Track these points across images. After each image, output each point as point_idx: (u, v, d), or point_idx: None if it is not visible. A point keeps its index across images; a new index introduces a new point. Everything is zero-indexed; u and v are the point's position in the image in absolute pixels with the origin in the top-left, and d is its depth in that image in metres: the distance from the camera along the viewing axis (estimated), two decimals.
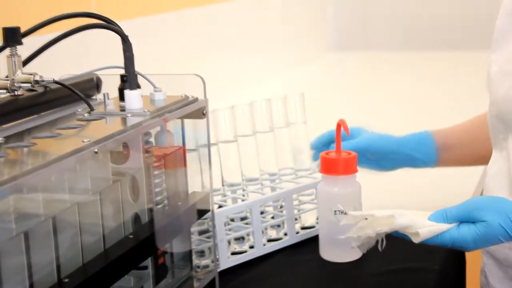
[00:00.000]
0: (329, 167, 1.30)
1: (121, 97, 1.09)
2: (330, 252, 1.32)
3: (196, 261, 1.22)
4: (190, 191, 1.18)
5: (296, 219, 1.42)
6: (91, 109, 1.06)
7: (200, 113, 1.15)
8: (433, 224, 1.06)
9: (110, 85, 1.13)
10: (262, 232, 1.36)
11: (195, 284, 1.17)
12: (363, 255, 1.32)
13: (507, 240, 1.02)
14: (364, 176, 1.34)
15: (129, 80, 1.07)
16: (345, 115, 1.30)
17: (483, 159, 1.39)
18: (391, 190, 1.66)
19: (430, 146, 1.44)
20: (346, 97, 2.76)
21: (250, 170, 1.44)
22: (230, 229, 1.35)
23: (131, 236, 1.02)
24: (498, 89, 1.25)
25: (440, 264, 1.32)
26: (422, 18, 3.39)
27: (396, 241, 1.39)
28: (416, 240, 1.06)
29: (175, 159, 1.14)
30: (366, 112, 2.42)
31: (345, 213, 1.30)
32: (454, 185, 1.63)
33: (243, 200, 1.38)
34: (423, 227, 1.05)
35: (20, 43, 1.01)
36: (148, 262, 1.06)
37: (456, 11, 3.35)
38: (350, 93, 2.84)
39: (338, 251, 1.32)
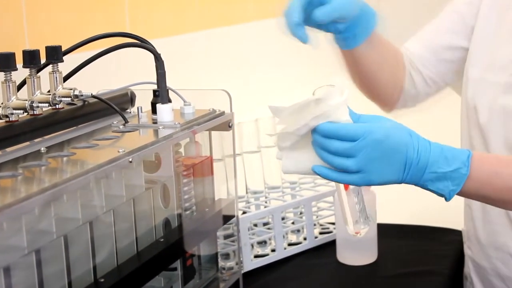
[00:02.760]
0: None
1: (154, 111, 1.10)
2: (346, 256, 1.32)
3: (221, 263, 1.22)
4: (216, 198, 1.18)
5: (315, 224, 1.42)
6: (126, 121, 1.07)
7: (226, 125, 1.15)
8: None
9: (143, 99, 1.14)
10: (283, 236, 1.36)
11: (221, 284, 1.18)
12: (378, 258, 1.32)
13: None
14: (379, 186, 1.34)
15: (161, 95, 1.08)
16: None
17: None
18: (403, 199, 1.65)
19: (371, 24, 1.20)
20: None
21: (272, 178, 1.44)
22: (253, 234, 1.35)
23: (161, 240, 1.02)
24: (482, 97, 1.22)
25: (450, 268, 1.31)
26: None
27: (409, 246, 1.39)
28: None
29: (203, 168, 1.15)
30: None
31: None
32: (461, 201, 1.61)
33: (265, 207, 1.39)
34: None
35: (61, 61, 1.02)
36: (177, 264, 1.07)
37: None
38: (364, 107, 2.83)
39: (354, 254, 1.32)
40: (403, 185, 1.29)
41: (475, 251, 1.29)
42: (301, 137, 0.93)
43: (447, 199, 0.97)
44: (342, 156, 0.92)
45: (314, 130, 0.93)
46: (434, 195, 0.98)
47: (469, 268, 1.31)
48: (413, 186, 1.02)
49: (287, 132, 0.94)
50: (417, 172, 0.94)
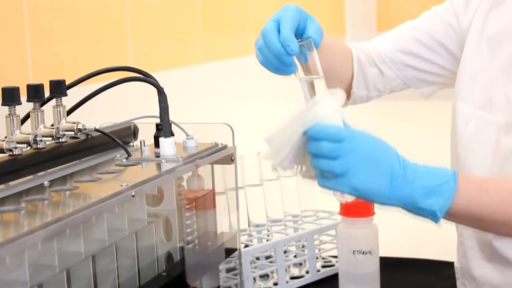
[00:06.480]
0: (348, 210, 1.30)
1: (156, 144, 1.10)
2: None
3: None
4: (218, 231, 1.18)
5: (317, 258, 1.41)
6: (129, 155, 1.07)
7: (229, 159, 1.16)
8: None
9: (146, 133, 1.14)
10: (286, 270, 1.35)
11: None
12: None
13: None
14: (381, 218, 1.33)
15: (163, 128, 1.08)
16: None
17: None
18: (406, 232, 1.65)
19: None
20: None
21: (274, 212, 1.44)
22: (255, 267, 1.34)
23: (164, 274, 1.02)
24: (479, 136, 1.18)
25: None
26: None
27: (412, 279, 1.39)
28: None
29: (205, 201, 1.15)
30: None
31: (364, 253, 1.29)
32: None
33: (267, 240, 1.38)
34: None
35: (65, 95, 1.03)
36: None
37: None
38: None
39: None
40: (404, 216, 1.27)
41: None
42: (297, 148, 0.93)
43: (438, 217, 0.95)
44: (329, 158, 0.91)
45: (306, 138, 0.93)
46: (433, 226, 0.97)
47: None
48: (415, 221, 1.01)
49: (282, 145, 0.94)
50: (405, 187, 0.93)
